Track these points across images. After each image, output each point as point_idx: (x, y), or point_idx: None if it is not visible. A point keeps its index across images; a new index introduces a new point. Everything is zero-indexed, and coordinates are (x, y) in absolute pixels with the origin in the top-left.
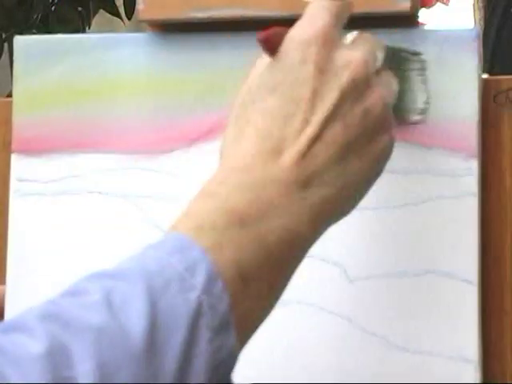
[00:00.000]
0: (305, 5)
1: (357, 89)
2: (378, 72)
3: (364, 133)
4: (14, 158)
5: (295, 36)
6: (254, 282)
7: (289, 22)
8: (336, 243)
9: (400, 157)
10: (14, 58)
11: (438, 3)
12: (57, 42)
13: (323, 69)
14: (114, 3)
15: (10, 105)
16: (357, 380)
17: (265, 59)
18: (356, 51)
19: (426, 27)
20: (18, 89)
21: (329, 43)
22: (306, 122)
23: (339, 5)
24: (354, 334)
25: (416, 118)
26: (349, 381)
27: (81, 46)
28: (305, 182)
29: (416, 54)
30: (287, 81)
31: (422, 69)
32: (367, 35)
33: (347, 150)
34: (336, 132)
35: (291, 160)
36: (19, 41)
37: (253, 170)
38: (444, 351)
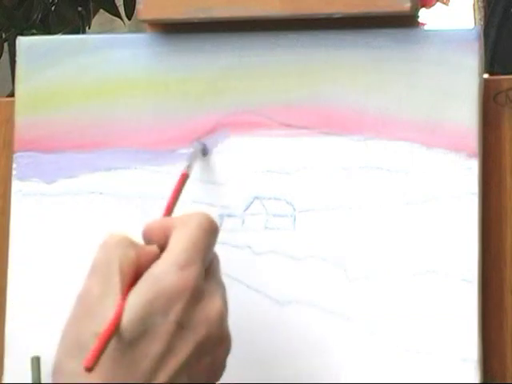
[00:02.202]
0: (306, 6)
1: (210, 344)
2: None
3: (205, 380)
4: (15, 157)
5: (163, 282)
6: None
7: (289, 21)
8: (336, 243)
9: (400, 157)
10: (17, 58)
11: (438, 3)
12: (58, 43)
13: (182, 324)
14: (114, 3)
15: (10, 105)
16: (357, 380)
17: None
18: (215, 304)
19: (426, 27)
20: (20, 89)
21: (195, 297)
22: (152, 378)
23: (214, 240)
24: (354, 334)
25: None
26: (349, 381)
27: (82, 47)
28: None
29: None
30: (144, 334)
31: None
32: (216, 260)
33: None
34: None
35: None
36: (22, 41)
37: None
38: (444, 351)
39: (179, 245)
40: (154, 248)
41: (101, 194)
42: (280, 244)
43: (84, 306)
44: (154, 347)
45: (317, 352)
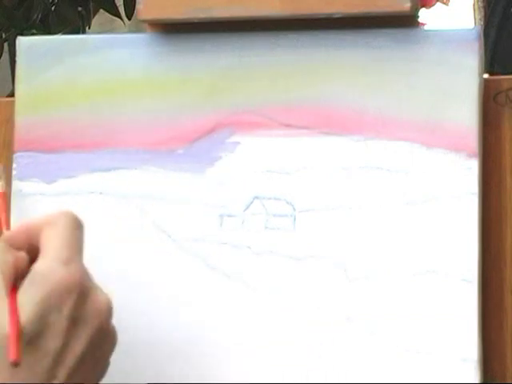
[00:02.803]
0: (306, 6)
1: (102, 335)
2: None
3: (93, 374)
4: (15, 157)
5: (53, 278)
6: None
7: (289, 21)
8: (336, 243)
9: (400, 157)
10: (17, 58)
11: (438, 3)
12: (59, 43)
13: (76, 319)
14: (114, 3)
15: (10, 104)
16: (357, 380)
17: None
18: (101, 295)
19: (426, 27)
20: (20, 89)
21: (84, 291)
22: (52, 376)
23: (82, 235)
24: (354, 334)
25: None
26: (349, 381)
27: (82, 47)
28: None
29: None
30: (42, 332)
31: None
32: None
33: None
34: (76, 382)
35: None
36: (22, 41)
37: None
38: (444, 351)
39: (55, 243)
40: (24, 255)
41: (101, 194)
42: (280, 244)
43: None
44: (52, 344)
45: (317, 352)
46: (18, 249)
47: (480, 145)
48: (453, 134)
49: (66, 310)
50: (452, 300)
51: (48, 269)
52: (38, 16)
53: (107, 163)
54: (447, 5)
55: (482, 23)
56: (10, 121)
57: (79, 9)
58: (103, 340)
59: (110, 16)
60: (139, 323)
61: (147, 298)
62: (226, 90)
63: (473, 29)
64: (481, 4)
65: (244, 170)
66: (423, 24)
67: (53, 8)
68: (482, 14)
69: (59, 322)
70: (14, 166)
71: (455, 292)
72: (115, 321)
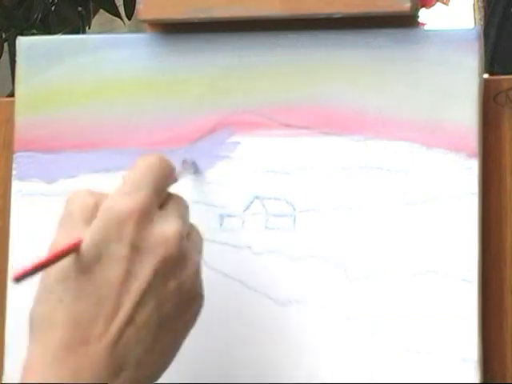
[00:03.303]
0: (306, 6)
1: (171, 265)
2: (188, 235)
3: (176, 308)
4: (15, 157)
5: (113, 208)
6: None
7: (289, 21)
8: (336, 243)
9: (400, 157)
10: (17, 58)
11: (438, 3)
12: (59, 43)
13: (138, 247)
14: (114, 3)
15: (10, 104)
16: (357, 380)
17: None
18: (170, 224)
19: (426, 27)
20: (20, 89)
21: (146, 219)
22: (118, 305)
23: (166, 173)
24: (354, 334)
25: None
26: (349, 381)
27: (82, 47)
28: (116, 369)
29: None
30: (101, 260)
31: None
32: (177, 197)
33: (159, 329)
34: (148, 313)
35: (102, 350)
36: (22, 41)
37: (62, 365)
38: (444, 351)
39: (127, 178)
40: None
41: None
42: (280, 244)
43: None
44: (112, 272)
45: (317, 352)
46: None
47: (480, 145)
48: (453, 134)
49: (126, 238)
50: (452, 300)
51: (109, 202)
52: (38, 16)
53: (107, 163)
54: (447, 5)
55: (482, 23)
56: (9, 121)
57: (79, 9)
58: (175, 269)
59: (110, 16)
60: None
61: None
62: (225, 90)
63: (473, 29)
64: (481, 4)
65: (244, 170)
66: (423, 24)
67: (53, 8)
68: (482, 13)
69: (119, 250)
70: (14, 166)
71: (455, 292)
72: None
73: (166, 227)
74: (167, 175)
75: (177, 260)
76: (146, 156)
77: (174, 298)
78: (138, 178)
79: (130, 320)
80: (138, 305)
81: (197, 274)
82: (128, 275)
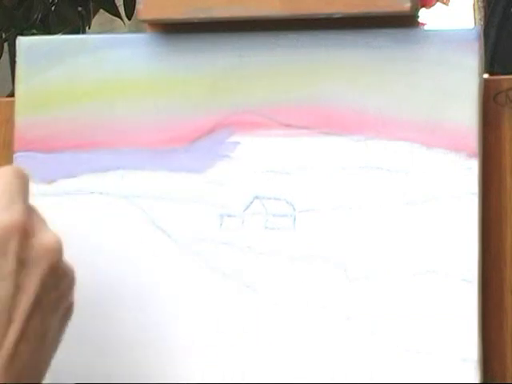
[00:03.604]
0: (306, 6)
1: (55, 274)
2: None
3: (57, 317)
4: (15, 157)
5: None
6: None
7: (289, 21)
8: (336, 243)
9: (400, 157)
10: (17, 58)
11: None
12: (59, 43)
13: (23, 260)
14: (114, 3)
15: (10, 104)
16: (357, 380)
17: None
18: (49, 234)
19: (426, 27)
20: (20, 89)
21: (27, 232)
22: (10, 320)
23: (27, 183)
24: (354, 334)
25: None
26: (349, 381)
27: (82, 47)
28: (15, 381)
29: None
30: None
31: None
32: (31, 204)
33: (45, 339)
34: (36, 325)
35: (0, 368)
36: (22, 41)
37: None
38: (444, 351)
39: None
40: None
41: (101, 194)
42: (280, 244)
43: None
44: (2, 288)
45: (317, 352)
46: None
47: (480, 145)
48: (453, 134)
49: (11, 253)
50: (452, 300)
51: None
52: (38, 16)
53: (107, 163)
54: (447, 5)
55: (482, 23)
56: (9, 121)
57: (79, 9)
58: (58, 280)
59: (110, 16)
60: (139, 323)
61: (147, 297)
62: (226, 90)
63: (473, 29)
64: (481, 4)
65: (244, 170)
66: (423, 24)
67: (53, 8)
68: (482, 14)
69: (6, 266)
70: (15, 166)
71: (455, 292)
72: (118, 320)
73: (46, 237)
74: (28, 184)
75: (59, 270)
76: (2, 169)
77: (55, 308)
78: (6, 190)
79: (21, 335)
80: (28, 319)
81: (73, 280)
82: (17, 289)
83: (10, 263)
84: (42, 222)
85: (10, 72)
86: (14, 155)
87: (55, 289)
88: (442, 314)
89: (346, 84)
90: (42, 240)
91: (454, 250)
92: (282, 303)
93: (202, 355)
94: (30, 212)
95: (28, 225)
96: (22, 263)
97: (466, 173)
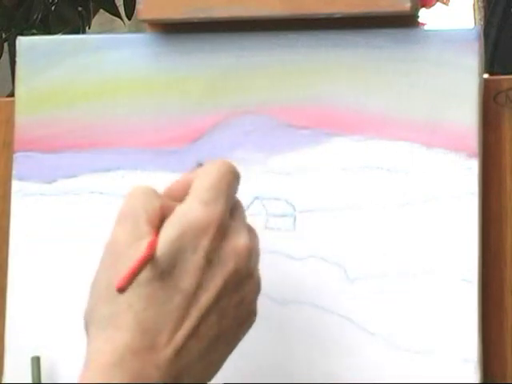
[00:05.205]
0: (306, 6)
1: (238, 279)
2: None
3: (234, 322)
4: (15, 157)
5: (191, 218)
6: None
7: (289, 21)
8: (336, 243)
9: (400, 157)
10: (17, 58)
11: (438, 3)
12: (59, 43)
13: (211, 260)
14: (114, 3)
15: (10, 105)
16: (357, 380)
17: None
18: (241, 238)
19: (426, 27)
20: (20, 89)
21: (221, 232)
22: (185, 315)
23: (237, 181)
24: (354, 334)
25: None
26: (349, 381)
27: (82, 47)
28: (176, 378)
29: None
30: (175, 269)
31: None
32: (239, 202)
33: (218, 341)
34: (211, 324)
35: (166, 358)
36: (22, 41)
37: (127, 368)
38: (444, 351)
39: (203, 184)
40: (176, 203)
41: (101, 193)
42: (280, 244)
43: (113, 255)
44: (186, 282)
45: (317, 352)
46: (175, 200)
47: (480, 145)
48: (453, 134)
49: (201, 250)
50: (452, 300)
51: (187, 209)
52: (38, 16)
53: (107, 163)
54: (447, 5)
55: (482, 23)
56: (9, 121)
57: (79, 9)
58: (240, 284)
59: (110, 16)
60: None
61: None
62: (226, 90)
63: (473, 29)
64: (481, 4)
65: (244, 170)
66: (423, 24)
67: (53, 8)
68: (482, 14)
69: (193, 261)
70: (14, 166)
71: (455, 292)
72: None
73: (237, 240)
74: (237, 183)
75: (244, 275)
76: (216, 162)
77: (234, 312)
78: (215, 186)
79: (194, 331)
80: (204, 317)
81: (257, 290)
82: (199, 287)
83: (197, 259)
84: (241, 224)
85: (10, 72)
86: (14, 155)
87: (237, 293)
88: (442, 314)
89: (346, 84)
90: (234, 242)
91: (454, 250)
92: (282, 303)
93: None
94: (231, 212)
95: (223, 226)
96: (209, 262)
97: (466, 173)
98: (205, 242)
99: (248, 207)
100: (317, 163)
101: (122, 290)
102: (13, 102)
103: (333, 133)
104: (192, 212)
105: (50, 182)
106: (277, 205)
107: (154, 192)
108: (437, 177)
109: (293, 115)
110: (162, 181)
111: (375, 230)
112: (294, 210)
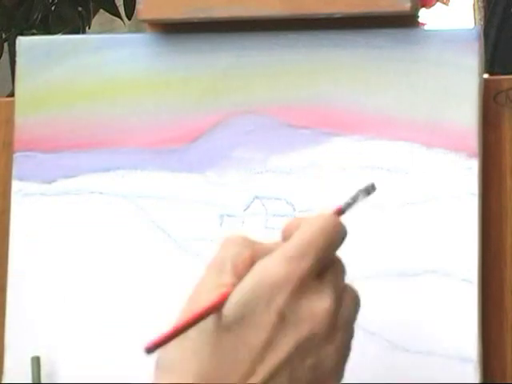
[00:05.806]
0: (306, 6)
1: (313, 343)
2: (340, 304)
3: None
4: (15, 157)
5: (269, 272)
6: None
7: (289, 21)
8: None
9: (400, 157)
10: (17, 58)
11: (438, 3)
12: (59, 43)
13: (284, 317)
14: (114, 3)
15: (10, 105)
16: (357, 380)
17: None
18: (323, 300)
19: (426, 27)
20: (20, 89)
21: (299, 290)
22: (251, 371)
23: (338, 239)
24: (354, 334)
25: None
26: (349, 381)
27: (82, 47)
28: None
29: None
30: (244, 321)
31: None
32: (338, 262)
33: None
34: None
35: None
36: (22, 41)
37: None
38: (444, 351)
39: (294, 240)
40: (274, 245)
41: (101, 193)
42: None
43: (195, 299)
44: (254, 337)
45: None
46: (286, 240)
47: (480, 145)
48: (453, 134)
49: (275, 305)
50: (452, 300)
51: (269, 262)
52: (38, 16)
53: (107, 163)
54: (447, 5)
55: (482, 23)
56: (9, 121)
57: (79, 9)
58: (317, 347)
59: (110, 16)
60: (139, 322)
61: (147, 297)
62: (226, 90)
63: (473, 29)
64: (481, 4)
65: (244, 170)
66: (423, 24)
67: (53, 8)
68: (482, 14)
69: (266, 316)
70: (14, 165)
71: (455, 292)
72: (118, 319)
73: (317, 302)
74: (338, 242)
75: (321, 338)
76: (322, 216)
77: (308, 375)
78: (307, 241)
79: None
80: (272, 376)
81: (338, 351)
82: (268, 344)
83: (270, 315)
84: (328, 285)
85: (9, 72)
86: (14, 155)
87: (311, 356)
88: (442, 314)
89: (346, 84)
90: (312, 303)
91: (454, 250)
92: None
93: None
94: (321, 272)
95: (303, 284)
96: (282, 319)
97: (466, 173)
98: (280, 299)
99: (248, 207)
100: (317, 163)
101: (149, 351)
102: (13, 102)
103: (333, 133)
104: (273, 266)
105: (49, 182)
106: (277, 205)
107: (246, 240)
108: (437, 177)
109: (293, 115)
110: (162, 181)
111: (375, 230)
112: (294, 210)
